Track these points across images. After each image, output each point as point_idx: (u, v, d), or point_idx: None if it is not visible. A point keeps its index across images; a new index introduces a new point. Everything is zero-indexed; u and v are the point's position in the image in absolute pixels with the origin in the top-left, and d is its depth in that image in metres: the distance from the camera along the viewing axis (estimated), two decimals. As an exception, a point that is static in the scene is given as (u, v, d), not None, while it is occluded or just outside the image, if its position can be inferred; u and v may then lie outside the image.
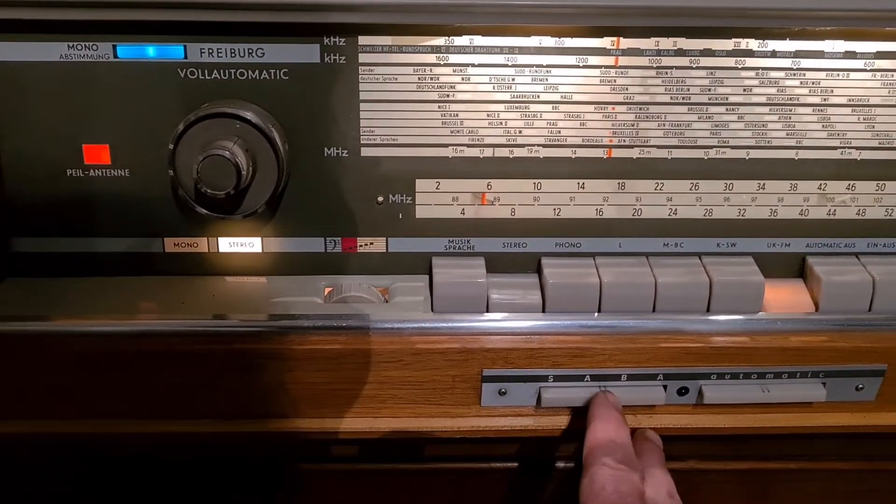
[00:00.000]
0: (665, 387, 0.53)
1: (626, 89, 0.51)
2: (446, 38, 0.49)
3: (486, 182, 0.52)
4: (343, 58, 0.49)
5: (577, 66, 0.50)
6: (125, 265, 0.53)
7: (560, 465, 0.61)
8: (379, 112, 0.51)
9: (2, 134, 0.50)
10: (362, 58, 0.49)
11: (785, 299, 0.54)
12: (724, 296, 0.52)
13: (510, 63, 0.50)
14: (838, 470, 0.62)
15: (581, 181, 0.53)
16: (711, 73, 0.51)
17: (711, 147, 0.53)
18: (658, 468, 0.50)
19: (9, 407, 0.52)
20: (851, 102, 0.52)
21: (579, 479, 0.47)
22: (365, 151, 0.51)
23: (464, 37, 0.49)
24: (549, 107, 0.51)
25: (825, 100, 0.52)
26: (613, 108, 0.51)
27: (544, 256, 0.54)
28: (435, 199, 0.53)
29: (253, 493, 0.61)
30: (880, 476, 0.63)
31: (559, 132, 0.52)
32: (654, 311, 0.53)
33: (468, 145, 0.52)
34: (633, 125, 0.52)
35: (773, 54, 0.51)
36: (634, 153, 0.52)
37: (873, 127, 0.53)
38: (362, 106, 0.50)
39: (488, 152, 0.52)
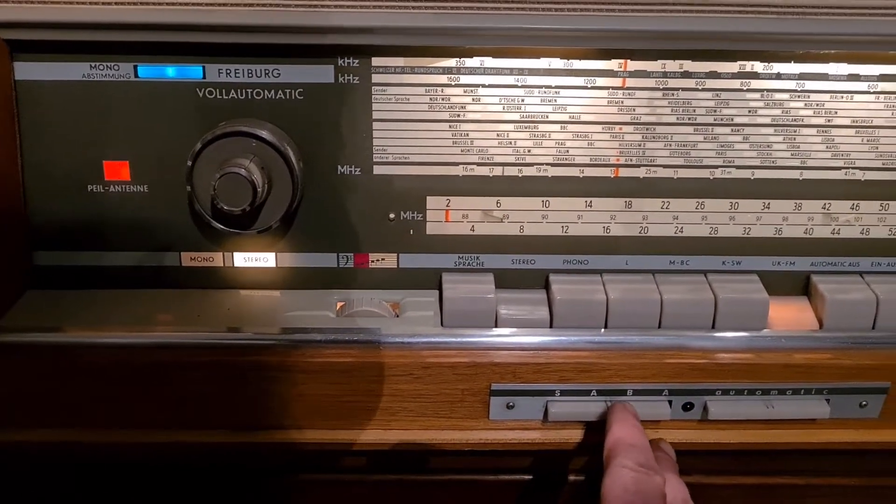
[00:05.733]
0: (670, 402, 0.54)
1: (634, 110, 0.52)
2: (457, 59, 0.50)
3: (496, 200, 0.53)
4: (357, 78, 0.50)
5: (586, 88, 0.51)
6: (142, 278, 0.54)
7: (567, 478, 0.61)
8: (391, 131, 0.52)
9: (25, 150, 0.51)
10: (375, 78, 0.50)
11: (789, 317, 0.55)
12: (729, 313, 0.53)
13: (520, 84, 0.51)
14: (843, 486, 0.62)
15: (589, 199, 0.54)
16: (717, 95, 0.52)
17: (717, 167, 0.53)
18: (672, 475, 0.51)
19: (27, 415, 0.53)
20: (855, 124, 0.53)
21: (591, 488, 0.48)
22: (377, 170, 0.53)
23: (475, 58, 0.50)
24: (557, 127, 0.52)
25: (829, 121, 0.53)
26: (621, 129, 0.52)
27: (552, 273, 0.55)
28: (445, 217, 0.54)
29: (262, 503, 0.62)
30: (885, 492, 0.63)
31: (567, 151, 0.53)
32: (659, 327, 0.53)
33: (478, 164, 0.53)
34: (639, 145, 0.53)
35: (778, 76, 0.51)
36: (641, 172, 0.53)
37: (877, 148, 0.53)
38: (375, 125, 0.52)
39: (498, 171, 0.53)
